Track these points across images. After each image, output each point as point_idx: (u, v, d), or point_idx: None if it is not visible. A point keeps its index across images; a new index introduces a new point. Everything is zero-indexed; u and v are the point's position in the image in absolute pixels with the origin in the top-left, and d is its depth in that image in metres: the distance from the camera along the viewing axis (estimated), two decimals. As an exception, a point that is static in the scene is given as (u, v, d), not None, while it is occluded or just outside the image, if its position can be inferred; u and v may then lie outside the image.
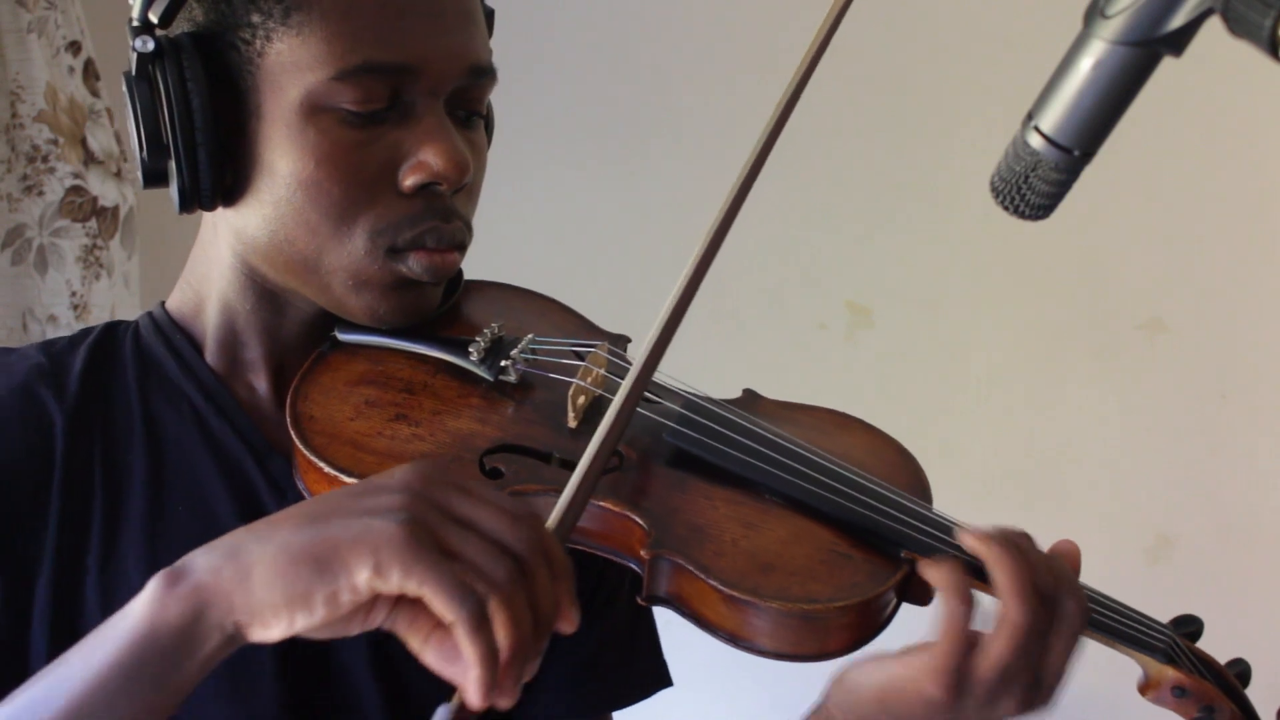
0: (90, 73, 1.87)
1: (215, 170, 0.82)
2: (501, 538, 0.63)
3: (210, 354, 0.91)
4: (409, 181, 0.83)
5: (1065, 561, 0.78)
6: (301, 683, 0.84)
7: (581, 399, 0.86)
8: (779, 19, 2.00)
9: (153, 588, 0.63)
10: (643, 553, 0.77)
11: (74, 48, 1.84)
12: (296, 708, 0.84)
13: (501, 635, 0.61)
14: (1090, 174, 0.68)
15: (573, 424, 0.85)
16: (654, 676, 0.99)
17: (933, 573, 0.75)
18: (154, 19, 0.82)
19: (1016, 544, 0.75)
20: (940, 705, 0.73)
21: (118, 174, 1.89)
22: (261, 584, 0.62)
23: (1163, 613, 0.89)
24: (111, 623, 0.64)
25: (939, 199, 2.01)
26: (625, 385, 0.76)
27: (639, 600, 0.79)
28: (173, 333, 0.91)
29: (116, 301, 1.91)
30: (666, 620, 1.03)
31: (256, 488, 0.87)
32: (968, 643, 0.73)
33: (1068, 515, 1.98)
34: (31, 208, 1.81)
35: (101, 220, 1.86)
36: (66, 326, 1.83)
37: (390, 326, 0.88)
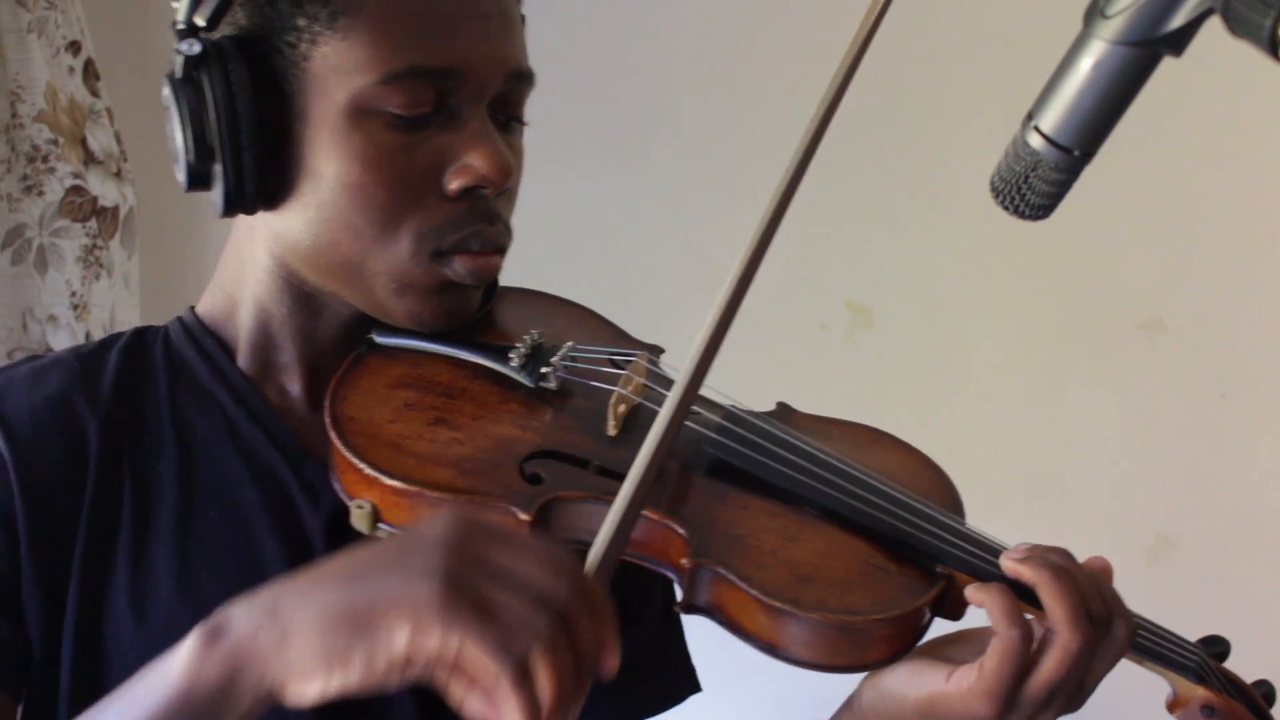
0: (90, 73, 1.87)
1: (260, 174, 0.81)
2: (541, 587, 0.62)
3: (242, 357, 0.90)
4: (454, 185, 0.83)
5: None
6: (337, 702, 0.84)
7: (622, 407, 0.86)
8: (782, 18, 2.00)
9: (191, 644, 0.63)
10: (683, 561, 0.77)
11: (74, 48, 1.84)
12: None
13: (544, 687, 0.61)
14: (1090, 174, 0.68)
15: (612, 432, 0.85)
16: (685, 682, 1.00)
17: (982, 596, 0.75)
18: (200, 22, 0.82)
19: (1063, 567, 0.76)
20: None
21: (118, 174, 1.89)
22: (299, 646, 0.62)
23: (1163, 614, 0.89)
24: (150, 676, 0.65)
25: (939, 199, 2.01)
26: (661, 420, 0.74)
27: (675, 609, 0.79)
28: (203, 337, 0.91)
29: (116, 301, 1.91)
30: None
31: (289, 491, 0.86)
32: (1023, 669, 0.73)
33: (1068, 515, 1.98)
34: (31, 208, 1.81)
35: (101, 220, 1.86)
36: (66, 326, 1.83)
37: (431, 330, 0.87)
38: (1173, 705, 0.86)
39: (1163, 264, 1.97)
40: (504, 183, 0.84)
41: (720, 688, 1.66)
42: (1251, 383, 1.95)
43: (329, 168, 0.82)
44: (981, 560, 0.80)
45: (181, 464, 0.86)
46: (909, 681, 0.78)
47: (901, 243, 2.05)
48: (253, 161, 0.81)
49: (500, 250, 0.87)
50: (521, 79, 0.87)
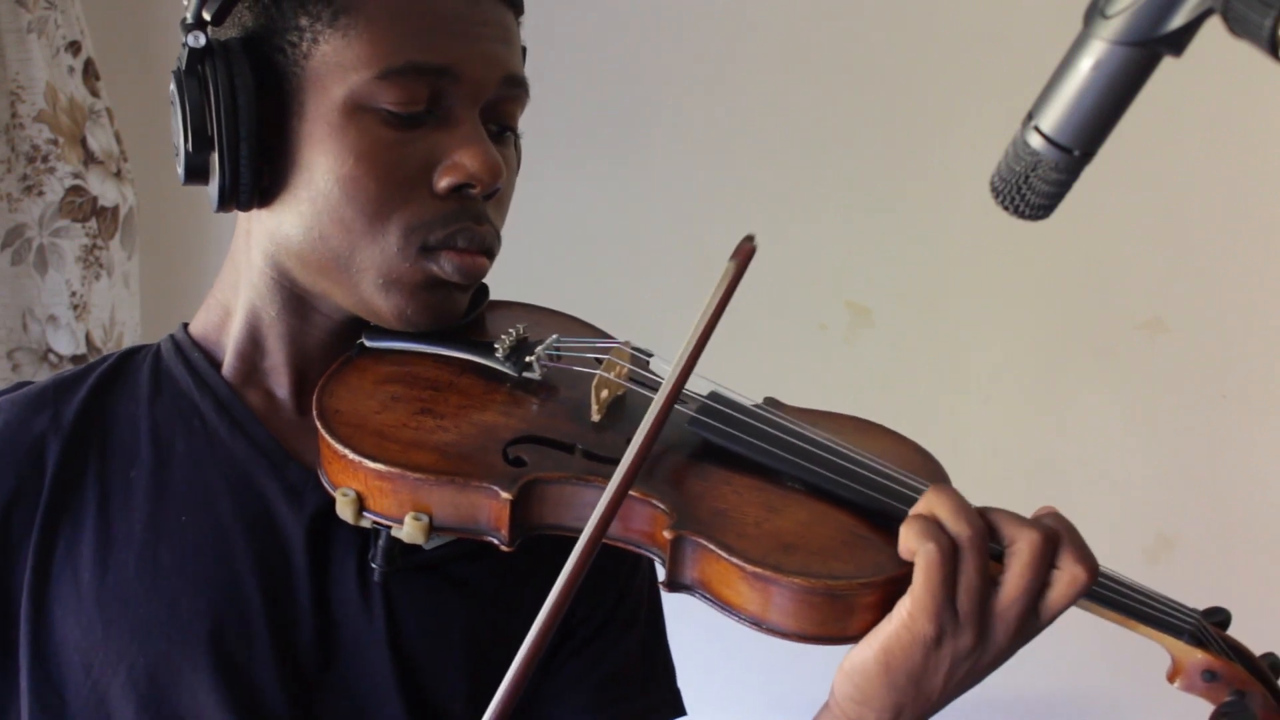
0: (90, 73, 1.87)
1: (255, 169, 0.83)
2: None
3: (228, 365, 0.92)
4: (444, 182, 0.85)
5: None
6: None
7: (605, 392, 0.88)
8: (775, 18, 2.00)
9: None
10: (665, 534, 0.78)
11: (74, 48, 1.84)
12: None
13: None
14: (1090, 174, 0.68)
15: (596, 418, 0.87)
16: (669, 705, 1.00)
17: (901, 531, 0.77)
18: (207, 16, 0.84)
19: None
20: (936, 640, 0.75)
21: (118, 174, 1.90)
22: None
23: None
24: None
25: (939, 199, 2.01)
26: (656, 401, 0.76)
27: (660, 585, 0.80)
28: (191, 350, 0.94)
29: (116, 301, 1.91)
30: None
31: (268, 495, 0.88)
32: (948, 578, 0.75)
33: (1068, 515, 1.98)
34: (31, 208, 1.81)
35: (101, 220, 1.87)
36: (66, 326, 1.83)
37: (417, 329, 0.89)
38: (1172, 674, 0.84)
39: (1163, 264, 1.97)
40: (492, 182, 0.85)
41: (715, 690, 1.66)
42: (1251, 383, 1.95)
43: (323, 161, 0.84)
44: None
45: (155, 472, 0.88)
46: (864, 647, 0.78)
47: (901, 242, 2.05)
48: (249, 154, 0.83)
49: (488, 253, 0.88)
50: (515, 85, 0.89)
